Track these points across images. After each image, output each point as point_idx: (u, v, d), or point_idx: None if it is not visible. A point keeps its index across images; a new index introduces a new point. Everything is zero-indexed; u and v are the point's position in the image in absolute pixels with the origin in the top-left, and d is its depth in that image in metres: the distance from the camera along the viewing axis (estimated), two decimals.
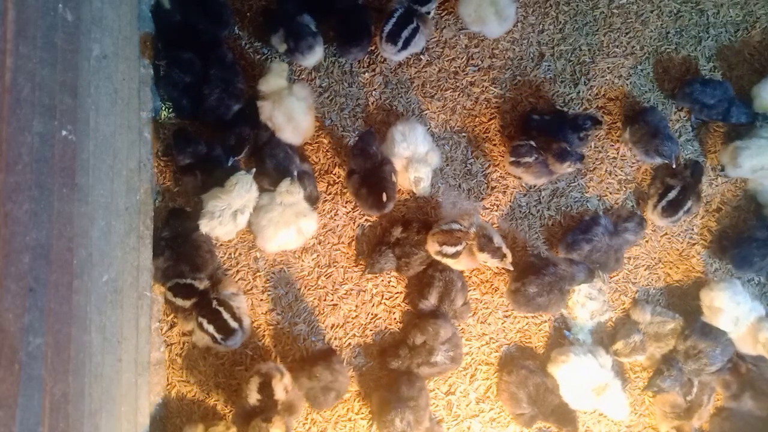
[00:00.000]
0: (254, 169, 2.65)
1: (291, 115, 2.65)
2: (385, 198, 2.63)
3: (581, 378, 2.67)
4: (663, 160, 2.77)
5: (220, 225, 2.59)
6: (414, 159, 2.70)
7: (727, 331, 2.74)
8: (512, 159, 2.75)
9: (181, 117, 2.79)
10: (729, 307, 2.68)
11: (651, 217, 2.86)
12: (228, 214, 2.59)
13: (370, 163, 2.65)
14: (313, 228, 2.72)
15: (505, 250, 2.57)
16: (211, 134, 2.80)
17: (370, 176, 2.64)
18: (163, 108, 2.79)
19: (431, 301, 2.71)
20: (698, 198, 2.82)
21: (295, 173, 2.68)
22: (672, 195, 2.78)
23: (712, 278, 2.90)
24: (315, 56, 2.78)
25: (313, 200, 2.76)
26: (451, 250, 2.58)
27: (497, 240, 2.57)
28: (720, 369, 2.75)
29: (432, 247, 2.62)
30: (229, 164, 2.69)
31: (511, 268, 2.63)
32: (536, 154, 2.71)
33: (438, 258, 2.65)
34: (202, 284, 2.61)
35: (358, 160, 2.66)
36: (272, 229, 2.62)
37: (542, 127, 2.77)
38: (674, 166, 2.80)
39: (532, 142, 2.72)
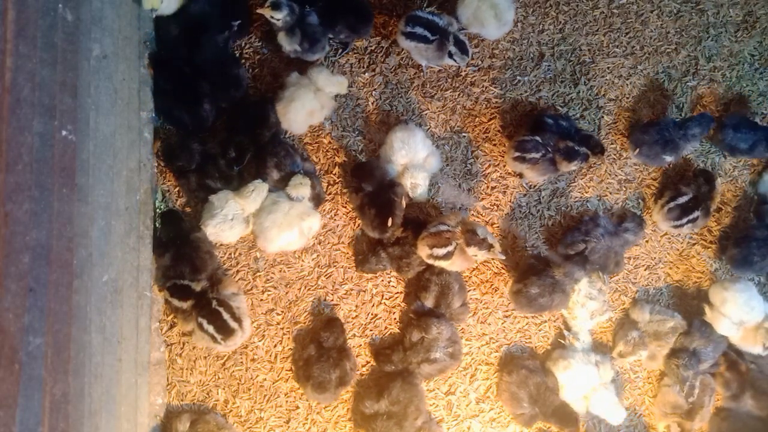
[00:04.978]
0: (267, 180, 2.71)
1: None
2: (390, 223, 2.65)
3: (580, 384, 2.69)
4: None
5: (230, 229, 2.64)
6: (412, 165, 2.71)
7: (728, 335, 2.74)
8: (517, 154, 2.73)
9: (182, 130, 2.79)
10: (742, 310, 2.67)
11: (656, 218, 2.86)
12: (240, 218, 2.65)
13: (378, 184, 2.68)
14: (317, 228, 2.73)
15: (492, 240, 2.56)
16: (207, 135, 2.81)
17: (379, 196, 2.66)
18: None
19: (427, 305, 2.71)
20: (707, 213, 2.81)
21: (300, 169, 2.72)
22: (682, 200, 2.77)
23: (725, 277, 2.90)
24: (323, 54, 2.81)
25: (319, 200, 2.76)
26: (441, 251, 2.57)
27: (481, 231, 2.55)
28: (712, 365, 2.76)
29: (423, 251, 2.62)
30: (234, 171, 2.72)
31: (503, 257, 2.63)
32: (543, 150, 2.71)
33: (430, 261, 2.64)
34: (199, 286, 2.61)
35: (367, 183, 2.69)
36: (275, 230, 2.63)
37: (555, 130, 2.76)
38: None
39: (539, 138, 2.72)
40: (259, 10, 2.66)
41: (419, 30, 2.67)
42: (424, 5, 2.92)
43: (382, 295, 2.81)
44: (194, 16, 2.72)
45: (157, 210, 2.72)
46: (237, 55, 2.85)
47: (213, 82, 2.71)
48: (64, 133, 1.92)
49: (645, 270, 2.91)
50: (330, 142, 2.87)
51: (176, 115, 2.72)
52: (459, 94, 2.93)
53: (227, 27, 2.75)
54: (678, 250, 2.93)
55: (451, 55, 2.75)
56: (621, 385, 2.83)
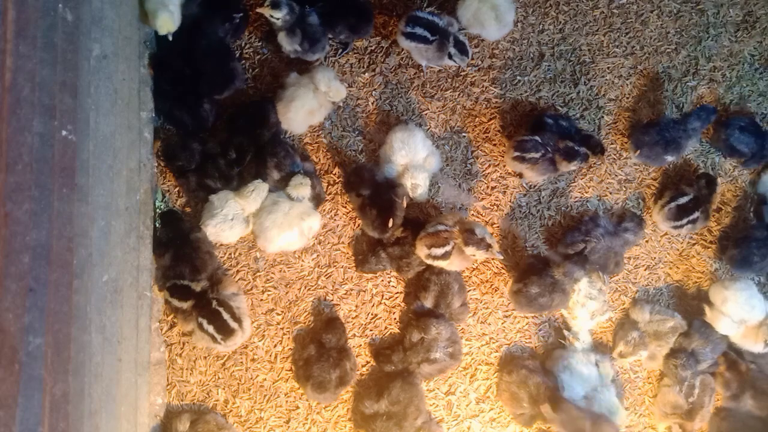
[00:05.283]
0: (268, 180, 2.71)
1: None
2: (391, 224, 2.65)
3: (580, 384, 2.69)
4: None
5: (230, 229, 2.64)
6: (412, 165, 2.71)
7: (728, 334, 2.74)
8: (516, 154, 2.73)
9: (184, 130, 2.78)
10: (743, 309, 2.67)
11: (656, 218, 2.86)
12: (240, 218, 2.66)
13: (376, 186, 2.69)
14: (317, 228, 2.73)
15: (490, 239, 2.55)
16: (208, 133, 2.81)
17: (380, 196, 2.66)
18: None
19: (427, 305, 2.71)
20: (707, 215, 2.81)
21: (300, 169, 2.72)
22: (683, 200, 2.77)
23: (725, 276, 2.89)
24: (323, 54, 2.82)
25: (319, 200, 2.76)
26: (439, 251, 2.57)
27: (479, 231, 2.55)
28: (710, 366, 2.77)
29: (421, 251, 2.62)
30: (234, 172, 2.72)
31: (501, 257, 2.64)
32: (543, 150, 2.71)
33: (429, 261, 2.64)
34: (199, 286, 2.61)
35: (363, 188, 2.69)
36: (276, 230, 2.63)
37: (554, 130, 2.76)
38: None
39: (538, 138, 2.72)
40: (258, 9, 2.66)
41: (419, 30, 2.67)
42: (424, 5, 2.93)
43: (382, 295, 2.81)
44: (196, 7, 2.72)
45: (157, 210, 2.72)
46: (235, 50, 2.84)
47: (208, 75, 2.70)
48: (64, 133, 1.92)
49: (645, 270, 2.91)
50: (330, 142, 2.87)
51: (176, 116, 2.73)
52: (459, 94, 2.93)
53: (228, 19, 2.75)
54: (678, 250, 2.93)
55: (450, 57, 2.75)
56: (621, 385, 2.83)
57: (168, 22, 2.55)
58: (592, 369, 2.70)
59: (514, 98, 2.94)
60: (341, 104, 2.86)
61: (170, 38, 2.62)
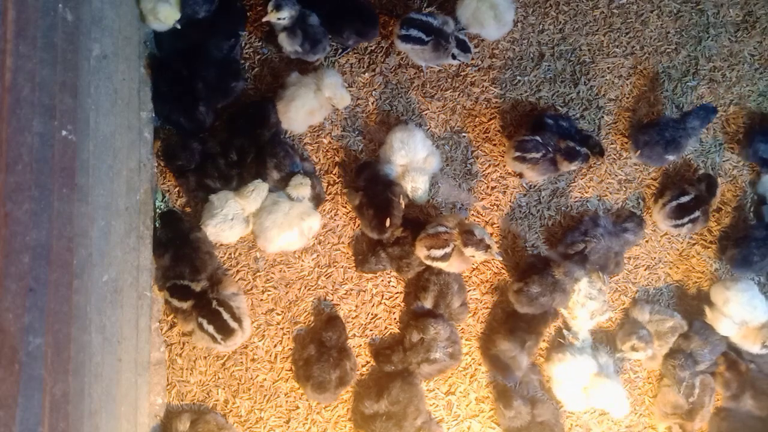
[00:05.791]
0: (267, 180, 2.71)
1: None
2: (388, 223, 2.65)
3: (578, 378, 2.68)
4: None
5: (230, 229, 2.64)
6: (412, 166, 2.71)
7: (728, 335, 2.74)
8: (517, 154, 2.73)
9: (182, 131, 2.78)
10: (744, 310, 2.67)
11: (656, 218, 2.86)
12: (240, 218, 2.66)
13: (373, 183, 2.68)
14: (317, 228, 2.73)
15: (489, 240, 2.55)
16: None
17: (377, 196, 2.66)
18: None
19: (426, 305, 2.71)
20: (707, 216, 2.81)
21: (300, 169, 2.73)
22: (684, 199, 2.76)
23: (726, 276, 2.89)
24: (324, 54, 2.82)
25: (319, 200, 2.77)
26: (439, 253, 2.57)
27: (478, 232, 2.55)
28: (709, 366, 2.76)
29: (421, 252, 2.62)
30: (234, 172, 2.73)
31: (500, 258, 2.65)
32: (544, 150, 2.71)
33: (428, 263, 2.64)
34: (199, 286, 2.61)
35: (366, 184, 2.69)
36: (276, 230, 2.63)
37: (555, 130, 2.77)
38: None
39: (539, 138, 2.72)
40: (264, 19, 2.67)
41: (414, 32, 2.67)
42: (424, 5, 2.93)
43: (382, 295, 2.81)
44: (202, 20, 2.73)
45: (157, 210, 2.72)
46: (239, 65, 2.84)
47: (207, 84, 2.70)
48: (64, 133, 1.92)
49: (645, 270, 2.91)
50: (330, 142, 2.87)
51: (174, 118, 2.73)
52: (459, 94, 2.93)
53: (233, 35, 2.76)
54: (678, 250, 2.93)
55: (454, 57, 2.76)
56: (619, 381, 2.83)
57: (171, 13, 2.60)
58: (587, 359, 2.69)
59: (514, 98, 2.94)
60: None
61: (178, 26, 2.65)
